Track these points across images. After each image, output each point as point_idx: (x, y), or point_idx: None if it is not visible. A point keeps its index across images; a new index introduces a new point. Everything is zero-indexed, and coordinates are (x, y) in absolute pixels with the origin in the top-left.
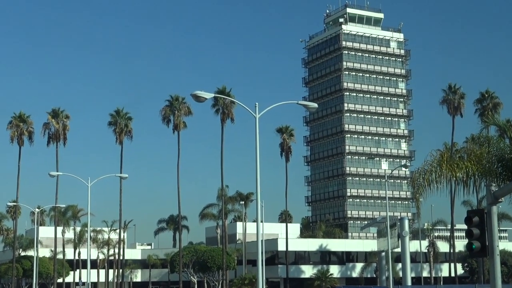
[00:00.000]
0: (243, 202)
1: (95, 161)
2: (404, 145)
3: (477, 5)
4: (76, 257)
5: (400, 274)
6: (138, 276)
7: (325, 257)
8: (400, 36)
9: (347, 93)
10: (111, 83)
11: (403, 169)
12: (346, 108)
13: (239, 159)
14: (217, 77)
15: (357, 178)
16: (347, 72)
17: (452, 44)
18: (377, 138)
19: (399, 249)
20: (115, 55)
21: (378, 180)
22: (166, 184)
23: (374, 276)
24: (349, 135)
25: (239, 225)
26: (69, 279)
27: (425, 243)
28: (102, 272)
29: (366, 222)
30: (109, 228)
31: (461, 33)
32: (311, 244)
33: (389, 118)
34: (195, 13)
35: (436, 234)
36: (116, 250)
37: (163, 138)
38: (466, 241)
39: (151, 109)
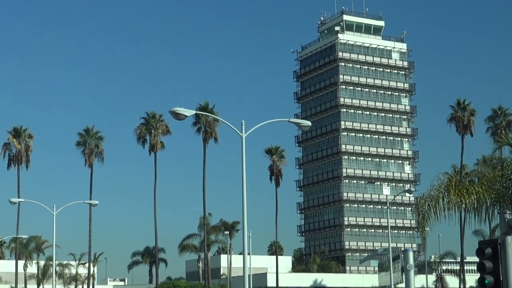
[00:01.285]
0: (228, 232)
1: (61, 186)
2: (408, 168)
3: (487, 14)
4: None
5: None
6: None
7: None
8: (402, 47)
9: (344, 110)
10: (80, 98)
11: (407, 194)
12: (343, 127)
13: (223, 183)
14: (199, 92)
15: (356, 205)
16: (344, 86)
17: (461, 56)
18: (377, 160)
19: (403, 285)
20: (84, 67)
21: (379, 207)
22: (142, 211)
23: None
24: (346, 157)
25: (224, 258)
26: None
27: (432, 277)
28: None
29: (365, 254)
30: (77, 262)
31: (471, 43)
32: (305, 279)
33: (391, 138)
34: (175, 24)
35: (444, 267)
36: (85, 287)
37: (138, 160)
38: (477, 275)
39: (125, 127)
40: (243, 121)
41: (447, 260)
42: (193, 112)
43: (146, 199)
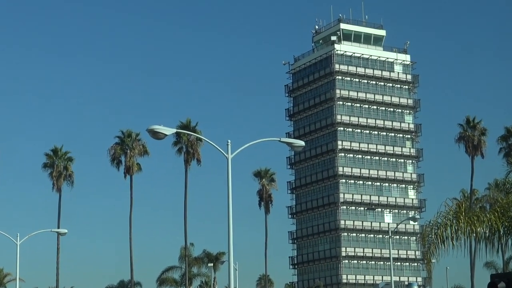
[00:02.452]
0: (212, 265)
1: (26, 213)
2: (412, 193)
3: (500, 23)
4: None
5: None
6: None
7: None
8: (406, 58)
9: (341, 128)
10: (48, 115)
11: (411, 222)
12: (340, 147)
13: (207, 210)
14: (180, 108)
15: (354, 234)
16: (341, 102)
17: (471, 68)
18: (378, 184)
19: None
20: (53, 79)
21: (380, 236)
22: (116, 241)
23: None
24: (343, 181)
25: None
26: None
27: None
28: None
29: None
30: None
31: (482, 55)
32: None
33: (393, 160)
34: (153, 33)
35: None
36: None
37: (112, 184)
38: None
39: (97, 147)
40: (229, 141)
41: None
42: (174, 130)
43: (120, 227)
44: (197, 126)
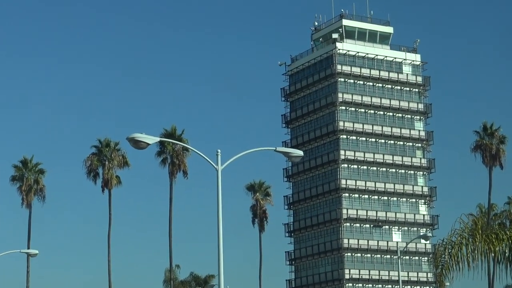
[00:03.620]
0: None
1: None
2: (423, 208)
3: None
4: None
5: None
6: None
7: None
8: (416, 58)
9: (344, 136)
10: (15, 122)
11: (423, 241)
12: (342, 157)
13: (194, 228)
14: (164, 114)
15: (359, 254)
16: (343, 107)
17: (488, 70)
18: (385, 198)
19: None
20: (22, 83)
21: (388, 256)
22: (93, 262)
23: None
24: (347, 195)
25: None
26: None
27: None
28: None
29: None
30: None
31: (500, 54)
32: None
33: (402, 171)
34: (134, 29)
35: None
36: None
37: (89, 199)
38: None
39: (72, 158)
40: (218, 151)
41: None
42: (157, 139)
43: (98, 247)
44: (183, 134)
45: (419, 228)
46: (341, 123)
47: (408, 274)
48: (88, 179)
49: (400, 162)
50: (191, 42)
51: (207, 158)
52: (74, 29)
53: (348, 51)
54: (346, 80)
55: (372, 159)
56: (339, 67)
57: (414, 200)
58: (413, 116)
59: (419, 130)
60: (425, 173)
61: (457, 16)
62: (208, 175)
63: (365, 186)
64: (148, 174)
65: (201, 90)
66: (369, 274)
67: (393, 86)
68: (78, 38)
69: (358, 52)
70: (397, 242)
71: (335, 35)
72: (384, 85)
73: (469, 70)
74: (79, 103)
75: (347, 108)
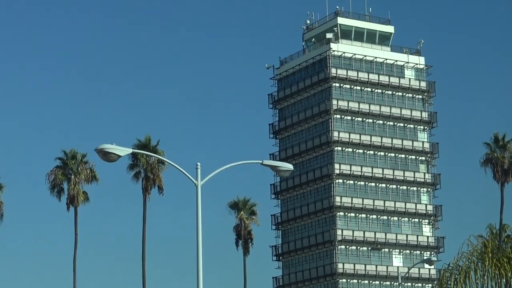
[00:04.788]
0: None
1: None
2: (427, 229)
3: None
4: None
5: None
6: None
7: None
8: (419, 61)
9: (339, 148)
10: None
11: (426, 266)
12: (337, 172)
13: (171, 251)
14: (137, 123)
15: (355, 281)
16: (338, 116)
17: (499, 74)
18: (385, 218)
19: None
20: None
21: (388, 283)
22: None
23: None
24: (342, 213)
25: None
26: None
27: None
28: None
29: None
30: None
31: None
32: None
33: (404, 187)
34: (102, 29)
35: None
36: None
37: (52, 218)
38: None
39: (33, 172)
40: (198, 164)
41: None
42: (129, 150)
43: (62, 272)
44: (158, 146)
45: (422, 252)
46: (335, 134)
47: None
48: (51, 195)
49: (402, 178)
50: (167, 43)
51: (185, 172)
52: (36, 35)
53: (344, 52)
54: (342, 85)
55: (370, 174)
56: (333, 70)
57: (417, 220)
58: (416, 126)
59: (422, 142)
60: (429, 189)
61: (466, 13)
62: (186, 191)
63: (363, 204)
64: (119, 190)
65: (178, 96)
66: None
67: (394, 92)
68: (39, 43)
69: (355, 54)
70: (397, 267)
71: (329, 35)
72: (384, 91)
73: (479, 75)
74: (41, 111)
75: (343, 116)
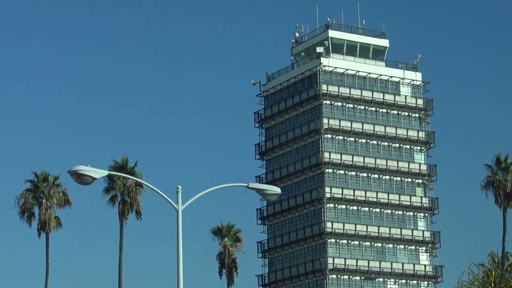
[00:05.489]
0: None
1: None
2: (424, 257)
3: None
4: None
5: None
6: None
7: None
8: (416, 77)
9: (330, 170)
10: None
11: None
12: (328, 195)
13: (149, 280)
14: (113, 144)
15: None
16: (329, 136)
17: (501, 91)
18: (379, 245)
19: None
20: None
21: None
22: None
23: None
24: (333, 240)
25: None
26: None
27: None
28: None
29: None
30: None
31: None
32: None
33: (400, 212)
34: (80, 40)
35: None
36: None
37: (22, 244)
38: None
39: (2, 195)
40: (179, 187)
41: None
42: (105, 172)
43: None
44: (136, 167)
45: (419, 281)
46: (326, 155)
47: None
48: (21, 221)
49: (397, 202)
50: (146, 57)
51: (165, 196)
52: (6, 54)
53: (335, 68)
54: (333, 102)
55: (363, 198)
56: (324, 87)
57: (413, 247)
58: (412, 147)
59: (419, 164)
60: (426, 215)
61: (466, 26)
62: (166, 216)
63: (355, 230)
64: (93, 214)
65: (157, 114)
66: None
67: (389, 111)
68: (9, 61)
69: (347, 70)
70: None
71: (319, 49)
72: (378, 109)
73: (479, 92)
74: (11, 129)
75: (334, 136)
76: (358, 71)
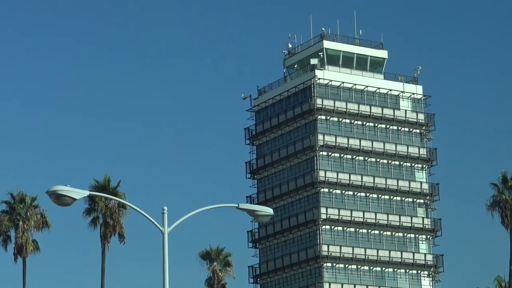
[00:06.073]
0: None
1: None
2: (426, 282)
3: None
4: None
5: None
6: None
7: None
8: (416, 90)
9: (325, 190)
10: None
11: None
12: (323, 217)
13: None
14: (95, 162)
15: None
16: (324, 153)
17: (508, 105)
18: (379, 269)
19: None
20: None
21: None
22: None
23: None
24: (329, 264)
25: None
26: None
27: None
28: None
29: None
30: None
31: None
32: None
33: (400, 234)
34: (61, 51)
35: None
36: None
37: None
38: None
39: None
40: (165, 208)
41: None
42: (86, 193)
43: None
44: (119, 187)
45: None
46: (321, 173)
47: None
48: None
49: (397, 223)
50: (129, 70)
51: (150, 218)
52: None
53: (331, 81)
54: (328, 118)
55: (361, 220)
56: (319, 101)
57: (415, 271)
58: (413, 165)
59: (421, 182)
60: (428, 237)
61: (468, 36)
62: (151, 239)
63: (353, 254)
64: (74, 238)
65: (141, 130)
66: None
67: (388, 126)
68: None
69: (343, 83)
70: None
71: (314, 61)
72: (376, 125)
73: (484, 106)
74: None
75: (330, 153)
76: (355, 84)
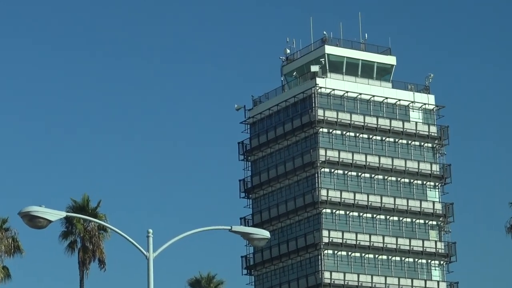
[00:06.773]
0: None
1: None
2: None
3: None
4: None
5: None
6: None
7: None
8: (428, 100)
9: (328, 211)
10: None
11: None
12: (326, 240)
13: None
14: (72, 181)
15: None
16: (327, 170)
17: None
18: None
19: None
20: None
21: None
22: None
23: None
24: None
25: None
26: None
27: None
28: None
29: None
30: None
31: None
32: None
33: (410, 260)
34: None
35: None
36: None
37: None
38: None
39: None
40: (150, 231)
41: None
42: (62, 214)
43: None
44: (99, 208)
45: None
46: (323, 192)
47: None
48: None
49: (407, 248)
50: (110, 79)
51: (133, 242)
52: None
53: (333, 90)
54: (331, 131)
55: (367, 244)
56: (320, 112)
57: None
58: (425, 182)
59: (433, 202)
60: (442, 262)
61: (486, 42)
62: (135, 265)
63: (358, 281)
64: (49, 264)
65: (124, 145)
66: None
67: (397, 140)
68: None
69: (347, 92)
70: None
71: (314, 68)
72: (384, 139)
73: (502, 119)
74: None
75: (332, 170)
76: (360, 94)
